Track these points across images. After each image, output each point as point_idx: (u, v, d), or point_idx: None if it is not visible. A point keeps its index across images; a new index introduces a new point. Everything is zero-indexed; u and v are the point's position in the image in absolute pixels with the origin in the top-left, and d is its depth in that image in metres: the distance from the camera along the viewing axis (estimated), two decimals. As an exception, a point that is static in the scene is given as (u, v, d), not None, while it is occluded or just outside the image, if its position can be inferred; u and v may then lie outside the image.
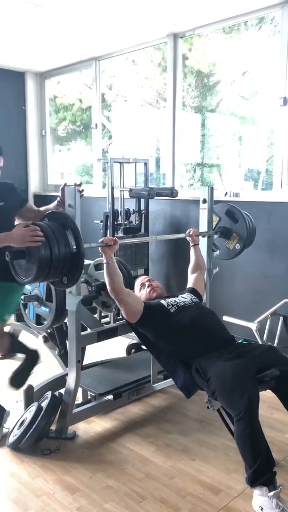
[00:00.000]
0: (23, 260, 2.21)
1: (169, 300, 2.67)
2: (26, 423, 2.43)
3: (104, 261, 2.49)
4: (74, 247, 2.20)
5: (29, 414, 2.49)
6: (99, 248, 2.50)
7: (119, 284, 2.51)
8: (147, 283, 2.88)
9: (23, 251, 2.18)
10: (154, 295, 2.80)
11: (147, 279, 2.96)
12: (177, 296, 2.75)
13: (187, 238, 3.02)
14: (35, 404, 2.53)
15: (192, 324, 2.51)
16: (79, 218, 2.42)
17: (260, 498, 1.99)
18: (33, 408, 2.51)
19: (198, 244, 3.06)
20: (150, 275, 4.18)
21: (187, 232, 3.02)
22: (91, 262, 3.05)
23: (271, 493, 1.96)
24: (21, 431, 2.42)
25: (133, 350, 3.57)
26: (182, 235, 3.08)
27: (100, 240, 2.49)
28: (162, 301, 2.65)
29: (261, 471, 1.98)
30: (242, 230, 3.15)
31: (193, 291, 2.89)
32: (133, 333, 2.81)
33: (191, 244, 3.03)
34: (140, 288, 2.87)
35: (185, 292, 2.86)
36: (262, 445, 2.02)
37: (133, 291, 2.82)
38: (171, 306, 2.61)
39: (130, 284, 2.92)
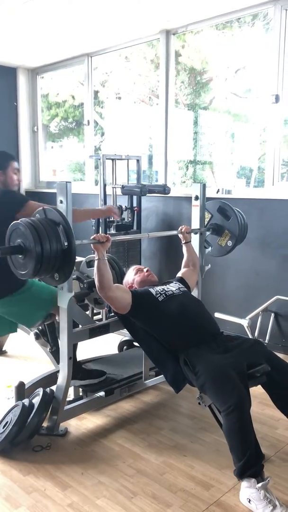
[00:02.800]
0: (19, 255, 2.20)
1: (157, 288, 2.66)
2: (9, 425, 2.39)
3: (96, 258, 2.49)
4: (66, 243, 2.19)
5: (12, 415, 2.45)
6: (91, 245, 2.50)
7: (108, 282, 2.50)
8: (145, 269, 2.89)
9: (21, 246, 2.17)
10: (149, 278, 2.81)
11: (144, 266, 2.97)
12: (165, 285, 2.75)
13: (179, 235, 3.02)
14: (19, 403, 2.50)
15: (180, 313, 2.51)
16: (71, 214, 2.41)
17: (248, 490, 1.99)
18: (16, 408, 2.48)
19: (190, 241, 3.05)
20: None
21: (179, 229, 3.02)
22: (83, 259, 3.04)
23: (259, 485, 1.96)
24: (4, 434, 2.38)
25: (125, 347, 3.57)
26: (174, 232, 3.07)
27: (92, 237, 2.49)
28: (150, 289, 2.64)
29: (250, 463, 1.99)
30: (234, 227, 3.16)
31: (181, 280, 2.88)
32: (125, 329, 2.81)
33: (183, 242, 3.03)
34: (137, 272, 2.86)
35: (173, 281, 2.85)
36: (251, 438, 2.03)
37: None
38: (159, 294, 2.60)
39: (122, 282, 2.92)
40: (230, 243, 3.18)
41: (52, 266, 2.20)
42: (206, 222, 3.25)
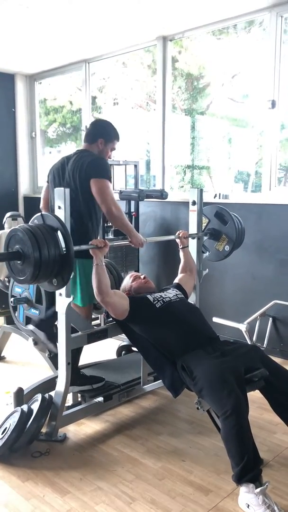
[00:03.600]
0: (18, 261, 2.21)
1: (155, 295, 2.68)
2: (8, 431, 2.39)
3: (94, 263, 2.50)
4: (64, 249, 2.20)
5: (11, 421, 2.45)
6: (90, 250, 2.51)
7: (106, 287, 2.51)
8: (142, 276, 2.90)
9: (19, 252, 2.17)
10: (147, 285, 2.82)
11: (143, 275, 2.97)
12: (163, 292, 2.76)
13: (176, 240, 3.03)
14: (18, 409, 2.50)
15: (177, 320, 2.53)
16: (69, 220, 2.42)
17: (247, 495, 1.99)
18: (15, 414, 2.48)
19: (187, 246, 3.06)
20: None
21: (176, 234, 3.03)
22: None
23: (258, 490, 1.97)
24: (3, 441, 2.38)
25: (123, 352, 3.57)
26: (171, 237, 3.09)
27: (90, 242, 2.50)
28: (148, 296, 2.66)
29: (248, 468, 1.99)
30: (231, 231, 3.17)
31: (178, 286, 2.89)
32: (123, 335, 2.81)
33: (180, 247, 3.03)
34: (134, 279, 2.87)
35: (170, 287, 2.86)
36: (249, 442, 2.03)
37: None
38: (156, 301, 2.61)
39: (119, 287, 2.93)
40: (227, 248, 3.19)
41: (51, 271, 2.21)
42: (203, 227, 3.26)
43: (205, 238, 3.26)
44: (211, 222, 3.24)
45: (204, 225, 3.26)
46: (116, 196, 4.17)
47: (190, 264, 3.04)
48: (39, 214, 2.33)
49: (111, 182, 2.73)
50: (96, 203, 2.68)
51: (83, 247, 2.47)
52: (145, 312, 2.57)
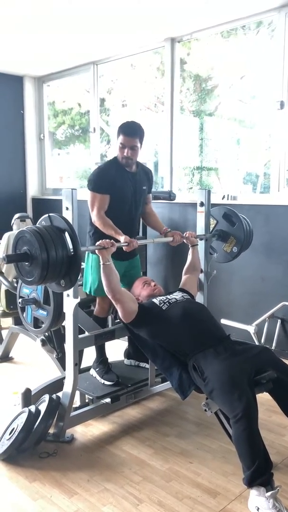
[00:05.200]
0: (26, 263, 2.21)
1: (161, 297, 2.69)
2: (16, 432, 2.40)
3: (101, 263, 2.51)
4: (71, 250, 2.20)
5: (19, 422, 2.46)
6: (96, 251, 2.51)
7: (115, 285, 2.54)
8: (152, 282, 2.92)
9: (27, 253, 2.18)
10: (156, 292, 2.82)
11: (151, 279, 2.99)
12: (169, 294, 2.77)
13: (184, 240, 3.03)
14: (25, 410, 2.51)
15: (184, 319, 2.52)
16: (77, 221, 2.43)
17: (257, 499, 1.98)
18: (23, 415, 2.49)
19: (197, 245, 3.07)
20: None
21: (183, 234, 3.02)
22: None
23: (268, 494, 1.95)
24: (11, 441, 2.39)
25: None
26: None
27: (97, 243, 2.51)
28: (154, 300, 2.67)
29: (259, 472, 1.98)
30: (240, 233, 3.15)
31: (183, 290, 2.90)
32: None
33: (190, 245, 3.05)
34: (144, 285, 2.88)
35: (175, 291, 2.87)
36: (260, 446, 2.02)
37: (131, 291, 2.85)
38: (162, 303, 2.62)
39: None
40: (235, 249, 3.17)
41: (58, 272, 2.21)
42: (211, 228, 3.25)
43: (213, 239, 3.25)
44: (219, 224, 3.23)
45: (212, 226, 3.25)
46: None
47: (195, 263, 3.05)
48: (47, 215, 2.34)
49: (98, 192, 2.82)
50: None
51: (90, 248, 2.48)
52: (152, 316, 2.58)
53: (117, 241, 2.63)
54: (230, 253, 3.21)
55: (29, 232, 2.17)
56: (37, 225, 2.29)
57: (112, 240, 2.54)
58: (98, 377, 2.97)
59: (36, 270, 2.16)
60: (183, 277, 3.03)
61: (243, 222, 3.14)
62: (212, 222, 3.24)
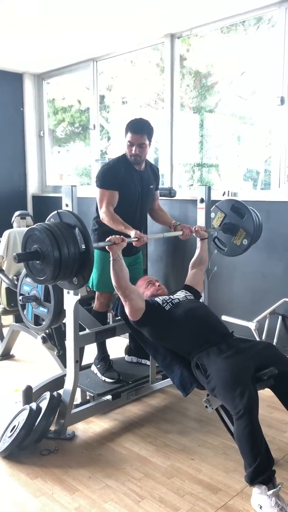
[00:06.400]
0: (37, 261, 2.18)
1: (164, 297, 2.68)
2: (17, 429, 2.40)
3: (111, 258, 2.50)
4: (83, 246, 2.17)
5: (20, 419, 2.46)
6: (107, 247, 2.50)
7: (125, 281, 2.54)
8: (156, 283, 2.91)
9: (38, 251, 2.14)
10: (160, 293, 2.82)
11: (156, 279, 2.99)
12: (172, 294, 2.77)
13: (194, 234, 3.02)
14: (27, 407, 2.50)
15: (187, 318, 2.52)
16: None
17: (259, 497, 1.98)
18: (24, 412, 2.49)
19: (207, 238, 3.06)
20: (149, 275, 4.18)
21: (193, 228, 3.01)
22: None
23: (270, 492, 1.96)
24: (12, 438, 2.39)
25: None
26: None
27: (108, 239, 2.49)
28: (157, 299, 2.66)
29: (260, 470, 1.98)
30: (249, 224, 3.10)
31: (189, 288, 2.89)
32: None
33: (199, 239, 3.04)
34: (148, 285, 2.87)
35: (179, 290, 2.86)
36: (261, 443, 2.02)
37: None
38: (165, 303, 2.61)
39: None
40: (245, 242, 3.13)
41: (71, 270, 2.17)
42: (220, 222, 3.22)
43: (222, 233, 3.22)
44: (228, 217, 3.19)
45: (220, 220, 3.22)
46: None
47: (203, 256, 3.03)
48: (55, 212, 2.29)
49: (107, 189, 2.83)
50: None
51: (101, 244, 2.48)
52: (156, 317, 2.57)
53: (127, 236, 2.61)
54: (240, 246, 3.18)
55: (39, 229, 2.13)
56: (46, 222, 2.26)
57: (122, 236, 2.52)
58: (99, 374, 2.97)
59: (48, 269, 2.12)
60: (189, 272, 3.01)
61: (252, 214, 3.11)
62: (220, 215, 3.21)
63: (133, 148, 2.86)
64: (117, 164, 2.92)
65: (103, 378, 2.93)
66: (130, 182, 2.90)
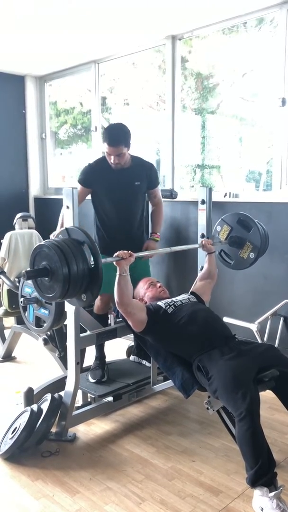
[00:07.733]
0: (46, 278, 2.16)
1: (166, 300, 2.66)
2: (18, 431, 2.40)
3: (118, 273, 2.45)
4: (92, 262, 2.14)
5: (21, 421, 2.46)
6: (114, 262, 2.44)
7: (127, 298, 2.48)
8: (158, 284, 2.88)
9: (46, 268, 2.12)
10: (161, 295, 2.80)
11: (157, 280, 2.95)
12: (174, 297, 2.75)
13: (200, 249, 3.01)
14: (28, 409, 2.50)
15: (190, 321, 2.50)
16: (77, 220, 2.42)
17: (261, 499, 1.98)
18: (25, 414, 2.49)
19: (214, 252, 3.03)
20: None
21: (199, 242, 2.99)
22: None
23: (272, 494, 1.95)
24: (13, 440, 2.39)
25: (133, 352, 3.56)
26: (196, 246, 3.05)
27: (115, 254, 2.44)
28: (160, 303, 2.64)
29: (262, 472, 1.97)
30: (256, 238, 3.07)
31: (194, 294, 2.86)
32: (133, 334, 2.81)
33: (206, 253, 3.00)
34: (149, 286, 2.86)
35: (182, 294, 2.84)
36: (263, 445, 2.01)
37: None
38: (168, 306, 2.60)
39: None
40: (252, 255, 3.10)
41: (80, 286, 2.14)
42: (226, 235, 3.19)
43: (228, 246, 3.20)
44: (234, 230, 3.16)
45: (226, 233, 3.19)
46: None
47: (211, 270, 2.98)
48: (64, 228, 2.28)
49: (80, 184, 3.01)
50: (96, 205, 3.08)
51: (109, 259, 2.41)
52: (159, 321, 2.55)
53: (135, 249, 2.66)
54: (247, 259, 3.14)
55: (48, 246, 2.12)
56: (54, 238, 2.24)
57: (129, 251, 2.48)
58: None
59: (57, 285, 2.10)
60: (198, 283, 2.97)
61: (258, 227, 3.08)
62: (227, 228, 3.17)
63: (112, 158, 2.93)
64: (97, 162, 3.03)
65: (88, 376, 2.93)
66: (109, 178, 2.95)
